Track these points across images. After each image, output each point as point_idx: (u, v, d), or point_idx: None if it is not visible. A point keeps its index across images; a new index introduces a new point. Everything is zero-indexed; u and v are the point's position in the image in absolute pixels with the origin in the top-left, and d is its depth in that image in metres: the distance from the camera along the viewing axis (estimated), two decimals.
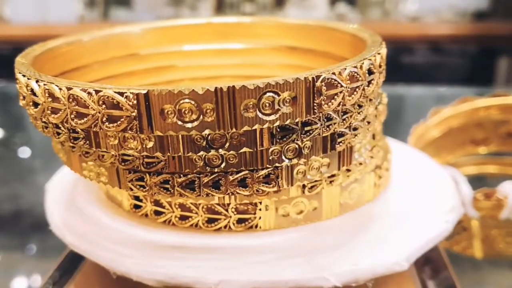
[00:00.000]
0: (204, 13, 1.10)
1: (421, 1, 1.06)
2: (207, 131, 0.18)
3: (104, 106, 0.18)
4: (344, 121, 0.20)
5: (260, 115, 0.18)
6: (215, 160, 0.20)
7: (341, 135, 0.21)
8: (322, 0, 1.09)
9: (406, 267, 0.21)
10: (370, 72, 0.20)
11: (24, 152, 0.54)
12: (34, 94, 0.20)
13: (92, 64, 0.28)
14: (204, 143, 0.19)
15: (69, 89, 0.18)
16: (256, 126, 0.18)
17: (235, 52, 0.31)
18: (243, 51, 0.31)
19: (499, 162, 0.40)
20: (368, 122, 0.22)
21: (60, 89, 0.19)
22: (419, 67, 0.98)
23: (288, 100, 0.18)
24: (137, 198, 0.24)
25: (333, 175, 0.22)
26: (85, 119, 0.19)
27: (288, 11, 1.09)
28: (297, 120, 0.19)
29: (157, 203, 0.23)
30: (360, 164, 0.23)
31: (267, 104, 0.18)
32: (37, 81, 0.20)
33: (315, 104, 0.19)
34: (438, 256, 0.26)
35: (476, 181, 0.41)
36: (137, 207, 0.24)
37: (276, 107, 0.18)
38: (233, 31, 0.31)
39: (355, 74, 0.20)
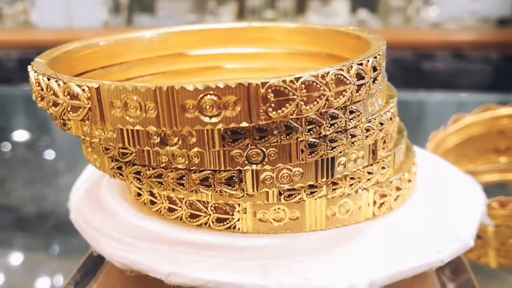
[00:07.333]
0: (225, 19, 1.11)
1: (443, 8, 1.05)
2: (152, 127, 0.19)
3: (68, 96, 0.20)
4: (311, 132, 0.20)
5: (201, 116, 0.18)
6: (179, 157, 0.20)
7: (313, 145, 0.21)
8: (343, 6, 1.09)
9: None
10: (339, 82, 0.20)
11: (49, 155, 0.55)
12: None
13: (115, 66, 0.29)
14: (158, 139, 0.20)
15: (48, 79, 0.20)
16: (198, 127, 0.18)
17: (252, 56, 0.31)
18: (258, 55, 0.31)
19: None
20: (353, 135, 0.22)
21: (44, 80, 0.21)
22: (440, 74, 0.97)
23: (230, 104, 0.18)
24: (138, 186, 0.25)
25: (313, 186, 0.22)
26: (57, 107, 0.20)
27: (309, 18, 1.09)
28: (242, 125, 0.19)
29: (151, 193, 0.24)
30: (352, 178, 0.23)
31: (208, 107, 0.18)
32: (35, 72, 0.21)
33: (261, 110, 0.18)
34: (458, 259, 0.26)
35: (498, 189, 0.40)
36: (139, 195, 0.25)
37: (218, 110, 0.18)
38: (246, 36, 0.31)
39: (313, 83, 0.19)
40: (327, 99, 0.19)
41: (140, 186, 0.23)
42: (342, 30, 0.28)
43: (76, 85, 0.19)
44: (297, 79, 0.19)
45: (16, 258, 0.37)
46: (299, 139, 0.20)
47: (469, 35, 0.99)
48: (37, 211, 0.42)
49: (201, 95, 0.18)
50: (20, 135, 0.62)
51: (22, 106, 0.72)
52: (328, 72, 0.19)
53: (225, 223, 0.23)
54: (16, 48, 1.06)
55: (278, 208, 0.23)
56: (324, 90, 0.19)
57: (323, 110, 0.20)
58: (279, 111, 0.19)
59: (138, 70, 0.29)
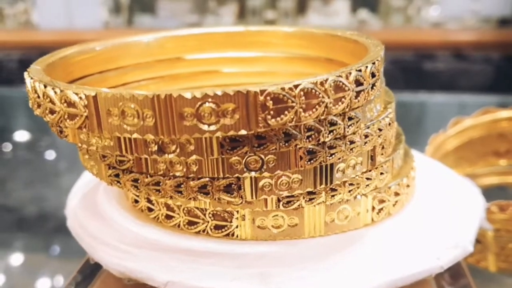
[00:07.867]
0: (227, 19, 1.11)
1: (444, 8, 1.04)
2: (150, 135, 0.19)
3: (65, 104, 0.20)
4: (310, 139, 0.20)
5: (199, 124, 0.18)
6: (177, 165, 0.20)
7: (312, 152, 0.21)
8: (343, 6, 1.08)
9: None
10: (338, 89, 0.19)
11: (49, 155, 0.55)
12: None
13: (111, 70, 0.29)
14: (156, 147, 0.19)
15: (45, 86, 0.20)
16: (196, 135, 0.18)
17: (250, 60, 0.31)
18: (256, 59, 0.31)
19: None
20: (352, 142, 0.21)
21: (40, 87, 0.20)
22: (441, 74, 0.97)
23: (228, 112, 0.18)
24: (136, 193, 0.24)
25: (312, 193, 0.22)
26: (54, 115, 0.20)
27: (309, 18, 1.09)
28: (241, 133, 0.18)
29: (149, 200, 0.24)
30: (351, 184, 0.23)
31: (206, 115, 0.18)
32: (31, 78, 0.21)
33: (259, 118, 0.18)
34: (456, 264, 0.25)
35: (498, 192, 0.40)
36: (136, 201, 0.25)
37: (216, 118, 0.18)
38: (244, 40, 0.31)
39: (312, 90, 0.19)
40: (326, 106, 0.19)
41: (137, 194, 0.23)
42: (340, 34, 0.28)
43: (73, 92, 0.19)
44: (296, 86, 0.19)
45: (16, 258, 0.37)
46: (298, 146, 0.20)
47: (470, 35, 0.99)
48: (37, 211, 0.42)
49: (199, 103, 0.18)
50: (21, 136, 0.62)
51: (23, 107, 0.72)
52: (327, 79, 0.19)
53: (223, 230, 0.23)
54: (17, 49, 1.06)
55: (277, 215, 0.22)
56: (323, 97, 0.19)
57: (322, 117, 0.20)
58: (278, 118, 0.19)
59: (135, 75, 0.29)
